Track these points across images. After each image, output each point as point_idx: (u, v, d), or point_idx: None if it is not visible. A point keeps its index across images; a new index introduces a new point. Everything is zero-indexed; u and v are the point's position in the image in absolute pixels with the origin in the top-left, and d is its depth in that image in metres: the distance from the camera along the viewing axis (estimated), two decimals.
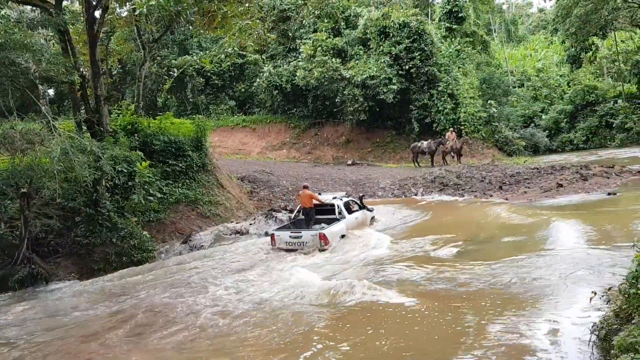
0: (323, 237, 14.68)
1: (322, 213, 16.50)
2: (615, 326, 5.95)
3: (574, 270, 9.89)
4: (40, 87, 17.38)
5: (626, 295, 6.25)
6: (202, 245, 16.84)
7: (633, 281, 6.09)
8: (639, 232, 11.12)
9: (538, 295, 8.89)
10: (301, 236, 14.92)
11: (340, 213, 16.40)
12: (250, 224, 19.03)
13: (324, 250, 14.52)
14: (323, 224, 16.01)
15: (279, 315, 9.43)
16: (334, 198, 17.09)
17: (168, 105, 42.81)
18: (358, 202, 17.95)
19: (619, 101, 38.25)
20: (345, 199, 17.35)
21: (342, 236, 15.52)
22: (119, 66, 40.45)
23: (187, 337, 8.93)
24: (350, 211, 16.88)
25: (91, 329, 9.96)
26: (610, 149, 35.02)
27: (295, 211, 17.36)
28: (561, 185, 19.73)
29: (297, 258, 14.09)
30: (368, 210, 17.95)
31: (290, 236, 15.04)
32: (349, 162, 34.78)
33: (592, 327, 6.34)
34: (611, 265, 9.77)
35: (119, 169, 15.73)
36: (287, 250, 14.78)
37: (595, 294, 6.53)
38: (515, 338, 7.31)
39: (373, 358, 7.38)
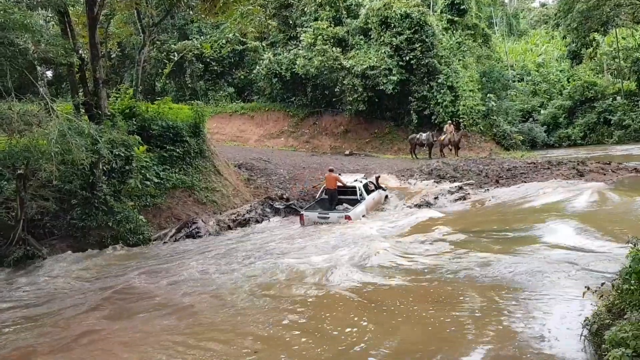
0: (348, 218, 16.16)
1: (343, 194, 18.00)
2: (607, 321, 6.00)
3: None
4: (38, 68, 17.31)
5: (619, 291, 6.30)
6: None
7: (626, 277, 6.13)
8: (634, 229, 11.16)
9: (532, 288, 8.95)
10: (328, 217, 16.48)
11: (361, 195, 17.85)
12: (248, 211, 19.05)
13: None
14: (345, 204, 17.59)
15: None
16: (355, 180, 18.54)
17: (167, 90, 42.62)
18: (374, 182, 19.52)
19: (618, 98, 38.23)
20: (364, 181, 18.81)
21: (363, 216, 16.92)
22: (118, 49, 40.23)
23: None
24: (368, 192, 18.39)
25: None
26: (607, 145, 35.09)
27: (320, 192, 18.76)
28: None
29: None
30: (383, 189, 19.60)
31: (318, 216, 16.57)
32: (347, 152, 34.76)
33: (585, 321, 6.39)
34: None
35: (116, 153, 15.71)
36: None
37: (588, 289, 6.57)
38: (508, 330, 7.37)
39: None
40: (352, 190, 18.03)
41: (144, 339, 8.38)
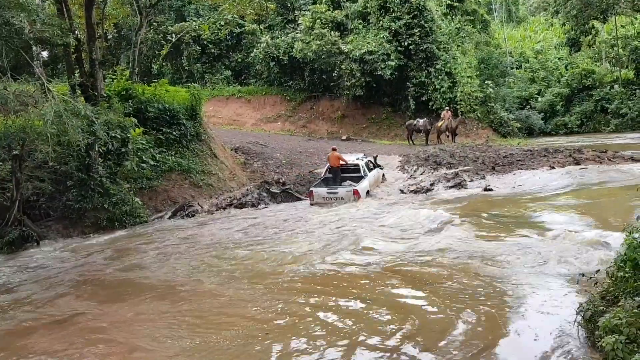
0: (356, 193, 17.33)
1: (346, 172, 18.85)
2: (601, 308, 6.04)
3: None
4: (34, 48, 17.19)
5: (613, 278, 6.34)
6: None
7: (621, 264, 6.18)
8: (629, 217, 11.21)
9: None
10: (337, 192, 17.51)
11: (364, 172, 18.82)
12: (244, 195, 19.07)
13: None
14: (349, 181, 18.21)
15: None
16: (357, 159, 19.46)
17: (163, 73, 42.31)
18: (373, 161, 20.34)
19: (616, 86, 38.21)
20: (365, 159, 19.70)
21: (367, 192, 17.97)
22: (115, 31, 39.81)
23: None
24: (369, 170, 19.36)
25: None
26: (604, 133, 35.14)
27: (324, 171, 19.58)
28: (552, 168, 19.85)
29: None
30: (380, 168, 20.61)
31: (327, 192, 17.58)
32: (344, 137, 34.69)
33: (578, 308, 6.44)
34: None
35: (113, 135, 15.65)
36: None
37: (583, 275, 6.61)
38: (501, 314, 7.42)
39: None
40: (354, 168, 18.91)
41: (137, 319, 8.44)
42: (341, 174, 18.74)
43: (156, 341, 7.45)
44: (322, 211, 16.29)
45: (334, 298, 8.66)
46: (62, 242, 14.61)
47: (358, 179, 18.35)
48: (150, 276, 10.81)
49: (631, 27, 41.32)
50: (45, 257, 13.09)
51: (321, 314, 7.94)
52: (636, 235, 6.28)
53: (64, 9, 16.35)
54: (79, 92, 16.85)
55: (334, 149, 19.31)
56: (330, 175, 18.85)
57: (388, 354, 6.50)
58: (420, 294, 8.63)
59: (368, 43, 34.51)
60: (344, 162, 18.71)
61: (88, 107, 14.28)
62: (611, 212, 13.13)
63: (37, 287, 10.52)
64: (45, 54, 32.16)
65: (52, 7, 18.82)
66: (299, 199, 19.02)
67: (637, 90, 36.78)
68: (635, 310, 5.33)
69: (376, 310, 7.96)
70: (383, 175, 20.53)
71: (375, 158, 20.82)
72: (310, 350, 6.74)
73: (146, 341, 7.49)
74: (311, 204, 17.57)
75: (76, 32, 16.65)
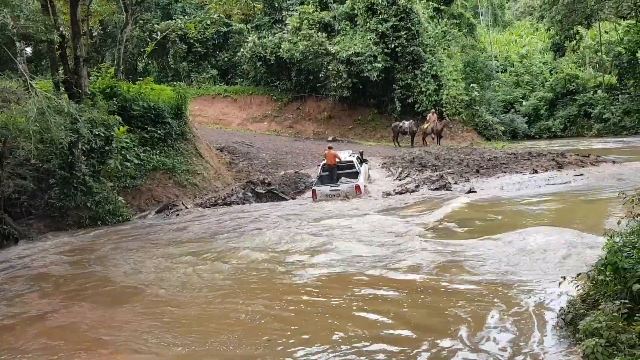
0: (358, 188, 17.98)
1: (340, 169, 19.32)
2: (582, 311, 6.10)
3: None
4: (17, 44, 16.98)
5: (594, 282, 6.40)
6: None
7: (601, 268, 6.23)
8: (609, 221, 11.33)
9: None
10: (339, 188, 18.06)
11: (357, 167, 19.34)
12: (229, 195, 19.00)
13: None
14: (344, 178, 18.72)
15: None
16: (350, 155, 20.17)
17: (149, 71, 42.02)
18: (360, 157, 20.80)
19: (599, 91, 38.70)
20: (355, 155, 20.33)
21: (365, 186, 18.62)
22: (100, 28, 39.42)
23: None
24: (361, 165, 19.94)
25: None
26: (586, 138, 35.53)
27: (320, 169, 19.76)
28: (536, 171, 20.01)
29: None
30: (366, 162, 21.23)
31: (330, 189, 18.16)
32: (330, 138, 34.70)
33: (560, 311, 6.49)
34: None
35: (96, 133, 15.53)
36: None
37: (564, 279, 6.66)
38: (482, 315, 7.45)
39: None
40: (348, 165, 19.43)
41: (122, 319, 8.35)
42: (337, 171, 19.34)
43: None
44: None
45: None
46: (43, 240, 14.43)
47: (353, 175, 18.90)
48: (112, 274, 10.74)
49: (615, 33, 41.84)
50: (19, 255, 12.92)
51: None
52: (617, 239, 6.34)
53: (49, 5, 16.18)
54: (63, 89, 16.69)
55: (330, 148, 19.97)
56: (326, 174, 19.24)
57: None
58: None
59: (355, 44, 34.59)
60: (339, 160, 19.25)
61: (72, 105, 14.15)
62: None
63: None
64: (29, 50, 31.80)
65: (36, 2, 18.61)
66: (284, 199, 19.00)
67: (620, 96, 37.27)
68: (615, 314, 5.38)
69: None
70: (369, 169, 21.22)
71: (361, 154, 21.34)
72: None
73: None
74: (314, 202, 18.05)
75: (61, 28, 16.50)
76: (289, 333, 7.06)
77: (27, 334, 7.79)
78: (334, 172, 19.07)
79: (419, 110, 34.47)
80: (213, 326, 7.58)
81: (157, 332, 7.46)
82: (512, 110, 40.41)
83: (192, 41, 41.27)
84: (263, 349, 6.58)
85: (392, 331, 6.99)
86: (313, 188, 18.65)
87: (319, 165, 20.46)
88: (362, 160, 20.68)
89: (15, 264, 12.21)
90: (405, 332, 6.88)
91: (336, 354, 6.29)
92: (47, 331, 7.88)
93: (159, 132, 19.97)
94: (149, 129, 19.76)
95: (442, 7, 39.91)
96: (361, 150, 22.19)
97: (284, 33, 37.52)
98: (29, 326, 8.14)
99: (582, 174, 18.46)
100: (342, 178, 18.74)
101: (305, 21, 36.12)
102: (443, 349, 6.27)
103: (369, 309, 7.70)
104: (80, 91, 16.57)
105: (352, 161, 19.55)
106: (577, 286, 6.54)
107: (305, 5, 37.42)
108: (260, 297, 8.66)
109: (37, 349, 7.21)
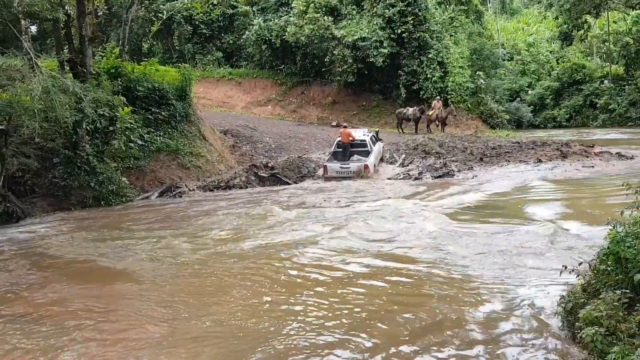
0: (367, 167, 18.93)
1: (353, 147, 20.26)
2: (582, 300, 6.12)
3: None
4: (23, 22, 16.86)
5: (595, 271, 6.42)
6: None
7: (603, 258, 6.24)
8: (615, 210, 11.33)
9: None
10: (349, 166, 19.02)
11: (370, 147, 20.25)
12: (232, 178, 19.03)
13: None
14: (356, 155, 19.76)
15: None
16: (364, 134, 21.17)
17: (153, 52, 41.87)
18: (376, 135, 21.91)
19: (605, 82, 38.51)
20: (369, 135, 21.27)
21: (374, 165, 19.68)
22: (105, 7, 39.14)
23: None
24: (373, 144, 20.82)
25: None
26: (591, 128, 35.40)
27: (335, 146, 20.93)
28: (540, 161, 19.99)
29: None
30: (381, 141, 22.22)
31: (340, 167, 19.08)
32: (334, 123, 34.57)
33: (560, 299, 6.51)
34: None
35: (101, 113, 15.52)
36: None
37: (565, 267, 6.68)
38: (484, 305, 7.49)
39: None
40: (361, 143, 20.38)
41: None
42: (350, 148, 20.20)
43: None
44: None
45: None
46: (45, 218, 14.48)
47: (365, 154, 19.82)
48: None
49: (623, 23, 41.50)
50: (29, 232, 12.97)
51: None
52: (620, 229, 6.34)
53: None
54: (68, 68, 16.65)
55: (345, 126, 21.46)
56: (340, 150, 20.35)
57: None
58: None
59: (361, 29, 34.36)
60: (352, 139, 20.20)
61: (76, 84, 14.15)
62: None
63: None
64: (34, 28, 31.68)
65: None
66: (287, 183, 19.03)
67: (626, 86, 37.09)
68: (616, 303, 5.40)
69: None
70: (382, 147, 22.09)
71: (377, 133, 22.34)
72: None
73: None
74: (325, 178, 18.92)
75: (66, 7, 16.43)
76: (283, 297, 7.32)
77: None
78: (347, 149, 20.08)
79: (424, 97, 34.30)
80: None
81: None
82: (518, 99, 40.25)
83: (197, 23, 41.03)
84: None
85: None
86: (325, 164, 19.52)
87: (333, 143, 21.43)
88: (376, 139, 21.52)
89: (16, 240, 12.24)
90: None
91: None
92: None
93: (163, 113, 19.93)
94: (153, 110, 19.72)
95: None
96: (377, 130, 23.33)
97: (290, 16, 37.25)
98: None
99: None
100: (355, 156, 19.69)
101: (312, 5, 35.83)
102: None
103: None
104: (85, 71, 16.53)
105: (365, 140, 20.40)
106: (578, 275, 6.56)
107: None
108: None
109: None
